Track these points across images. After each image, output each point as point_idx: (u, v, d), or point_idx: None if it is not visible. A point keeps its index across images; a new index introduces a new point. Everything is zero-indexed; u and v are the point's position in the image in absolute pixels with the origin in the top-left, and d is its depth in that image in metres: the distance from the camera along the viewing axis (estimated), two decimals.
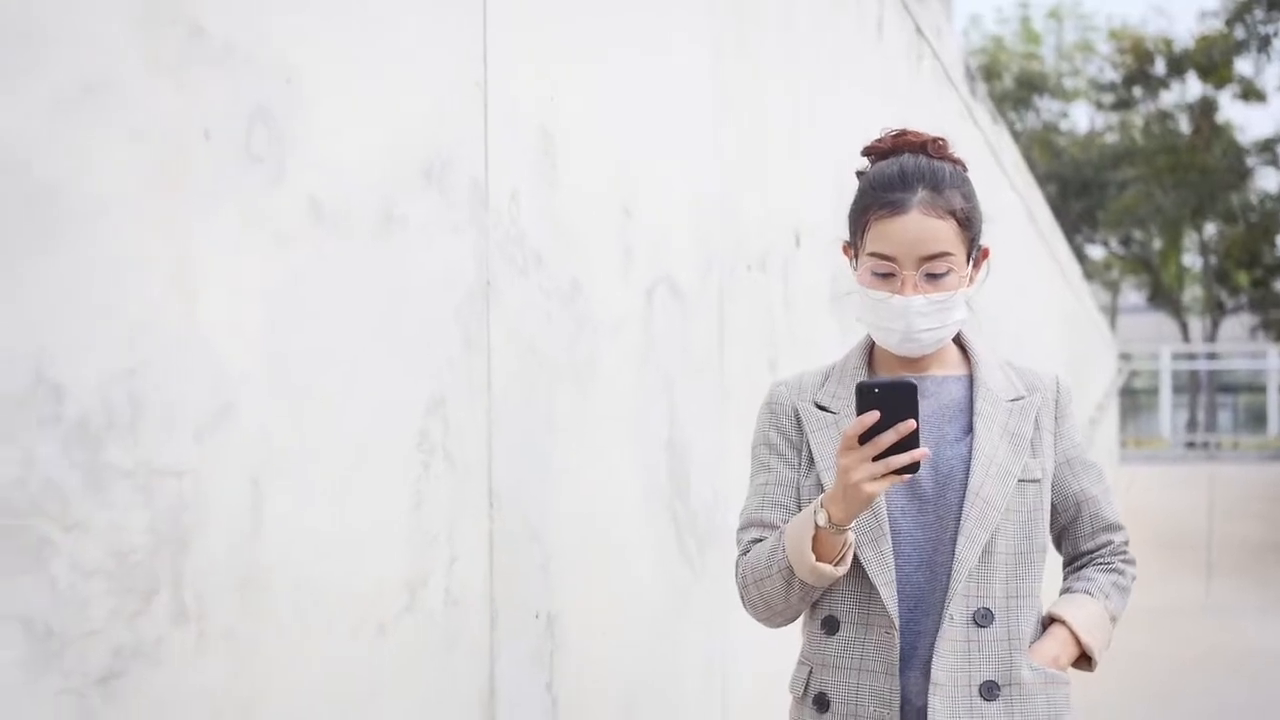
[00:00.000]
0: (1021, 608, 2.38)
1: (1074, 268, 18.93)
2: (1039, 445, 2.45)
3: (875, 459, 2.16)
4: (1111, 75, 38.68)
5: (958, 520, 2.35)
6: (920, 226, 2.33)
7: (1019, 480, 2.39)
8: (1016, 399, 2.46)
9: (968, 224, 2.38)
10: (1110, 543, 2.55)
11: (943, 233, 2.34)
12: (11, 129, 1.45)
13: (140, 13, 1.62)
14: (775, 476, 2.46)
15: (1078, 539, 2.56)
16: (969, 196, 2.40)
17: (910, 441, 2.15)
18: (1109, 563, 2.55)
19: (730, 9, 3.61)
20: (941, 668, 2.32)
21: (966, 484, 2.36)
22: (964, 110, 7.44)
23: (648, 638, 3.06)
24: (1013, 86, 38.45)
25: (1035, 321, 11.43)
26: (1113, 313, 38.99)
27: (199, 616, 1.70)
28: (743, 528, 2.47)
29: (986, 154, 8.24)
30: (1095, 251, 39.86)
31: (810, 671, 2.43)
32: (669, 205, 3.19)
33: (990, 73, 37.52)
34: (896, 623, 2.33)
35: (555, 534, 2.61)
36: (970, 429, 2.42)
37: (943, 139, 2.46)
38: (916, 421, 2.15)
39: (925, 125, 2.60)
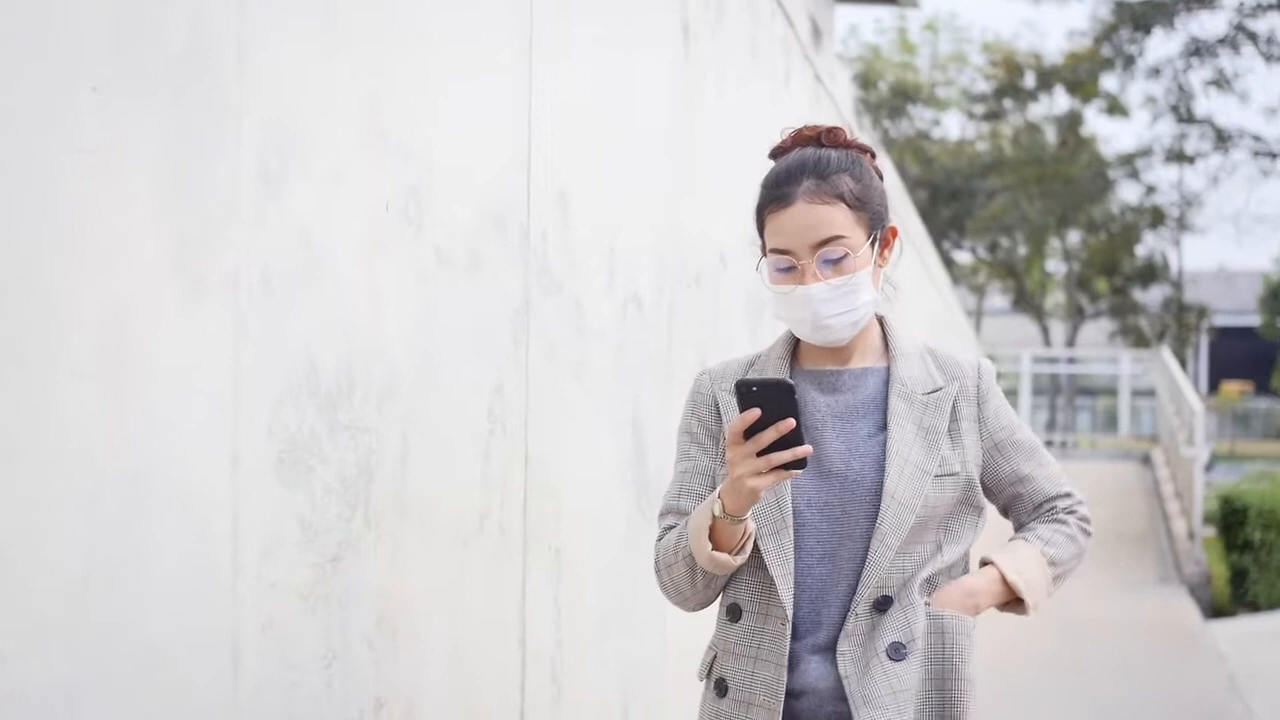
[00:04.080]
0: (911, 579, 2.37)
1: (941, 272, 20.03)
2: (957, 436, 2.42)
3: (760, 455, 2.17)
4: (983, 87, 39.59)
5: (870, 518, 2.35)
6: (808, 215, 2.33)
7: (936, 476, 2.37)
8: (933, 391, 2.43)
9: (860, 205, 2.36)
10: (1055, 506, 2.54)
11: (832, 217, 2.33)
12: (299, 211, 2.31)
13: (355, 123, 2.48)
14: (693, 465, 2.50)
15: (1020, 515, 2.55)
16: (860, 178, 2.38)
17: (794, 438, 2.17)
18: (1055, 515, 2.53)
19: (681, 72, 4.49)
20: (847, 646, 2.35)
21: (881, 484, 2.35)
22: None
23: (615, 573, 3.94)
24: (888, 95, 39.43)
25: (902, 322, 12.37)
26: (978, 316, 40.17)
27: (376, 525, 2.57)
28: (661, 514, 2.52)
29: None
30: (963, 256, 40.94)
31: (715, 656, 2.47)
32: (637, 234, 4.07)
33: (867, 81, 38.47)
34: (790, 615, 2.34)
35: (563, 489, 3.49)
36: (885, 425, 2.40)
37: (839, 128, 2.45)
38: (797, 420, 2.16)
39: None
